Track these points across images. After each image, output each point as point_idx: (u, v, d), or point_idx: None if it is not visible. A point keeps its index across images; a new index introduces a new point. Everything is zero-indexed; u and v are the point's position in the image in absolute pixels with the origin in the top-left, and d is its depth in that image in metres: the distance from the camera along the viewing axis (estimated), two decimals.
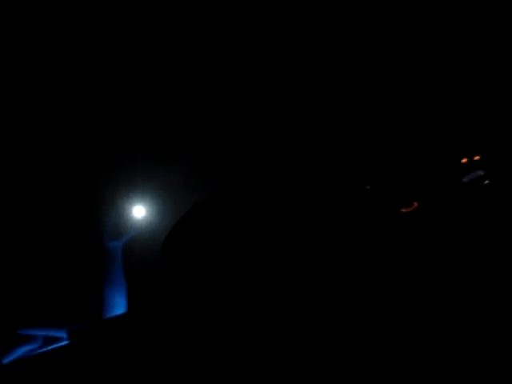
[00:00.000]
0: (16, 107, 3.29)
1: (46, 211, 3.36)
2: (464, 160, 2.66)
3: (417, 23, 2.69)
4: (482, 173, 2.64)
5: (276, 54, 2.83)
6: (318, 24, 2.68)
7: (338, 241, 1.24)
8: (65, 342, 2.67)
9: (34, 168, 3.41)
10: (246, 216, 1.21)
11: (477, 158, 2.65)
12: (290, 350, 1.08)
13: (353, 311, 1.19)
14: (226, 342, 1.10)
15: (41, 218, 3.33)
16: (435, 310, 2.21)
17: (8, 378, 2.55)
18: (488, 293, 2.46)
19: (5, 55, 3.01)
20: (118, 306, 2.93)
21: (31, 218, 3.31)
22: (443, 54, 2.70)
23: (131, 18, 3.01)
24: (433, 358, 2.25)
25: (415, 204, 2.65)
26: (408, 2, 2.68)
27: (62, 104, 3.41)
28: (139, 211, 3.36)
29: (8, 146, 3.32)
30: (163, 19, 3.00)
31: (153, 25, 3.03)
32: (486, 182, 2.63)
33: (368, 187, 2.79)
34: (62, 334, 2.70)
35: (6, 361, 2.52)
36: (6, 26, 2.93)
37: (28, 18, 2.95)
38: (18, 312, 3.03)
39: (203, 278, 1.17)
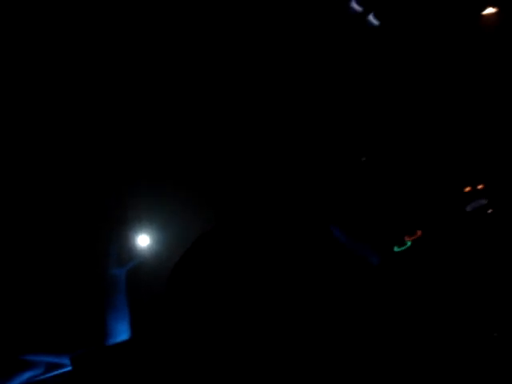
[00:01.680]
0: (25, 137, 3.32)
1: (53, 236, 3.37)
2: (467, 189, 2.68)
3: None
4: (485, 202, 2.65)
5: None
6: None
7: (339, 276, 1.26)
8: (67, 368, 2.66)
9: (40, 195, 3.42)
10: (250, 248, 1.23)
11: (480, 186, 2.67)
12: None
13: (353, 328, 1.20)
14: (228, 378, 1.11)
15: (47, 243, 3.34)
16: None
17: None
18: (486, 317, 2.46)
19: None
20: (121, 332, 2.92)
21: (38, 241, 3.32)
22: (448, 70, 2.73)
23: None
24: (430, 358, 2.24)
25: (419, 232, 2.66)
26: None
27: (72, 132, 3.43)
28: (144, 240, 3.37)
29: (20, 172, 3.34)
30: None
31: (154, 41, 3.05)
32: (489, 211, 2.65)
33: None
34: (65, 361, 2.69)
35: None
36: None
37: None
38: (21, 338, 3.02)
39: (208, 310, 1.18)
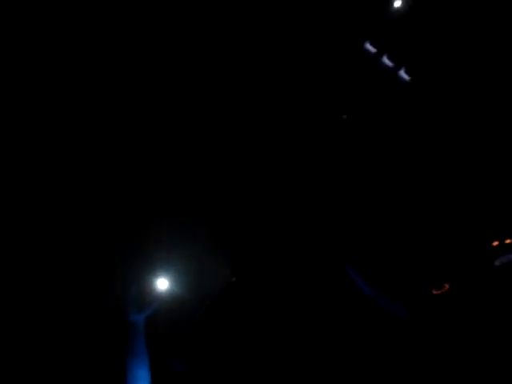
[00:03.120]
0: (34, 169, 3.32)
1: (72, 285, 3.36)
2: (495, 243, 2.67)
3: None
4: None
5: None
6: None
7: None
8: None
9: (57, 241, 3.41)
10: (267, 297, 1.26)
11: (508, 241, 2.65)
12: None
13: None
14: None
15: (66, 290, 3.33)
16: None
17: None
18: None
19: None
20: (141, 379, 2.88)
21: (55, 290, 3.31)
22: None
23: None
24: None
25: (446, 286, 2.64)
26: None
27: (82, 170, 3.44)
28: (162, 283, 3.35)
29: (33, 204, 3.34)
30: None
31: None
32: None
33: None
34: None
35: None
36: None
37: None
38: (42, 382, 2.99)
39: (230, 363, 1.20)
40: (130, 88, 3.21)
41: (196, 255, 3.62)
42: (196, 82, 3.24)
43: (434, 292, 2.62)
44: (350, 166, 2.77)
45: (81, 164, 3.43)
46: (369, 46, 2.56)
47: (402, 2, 2.56)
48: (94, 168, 3.47)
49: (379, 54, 2.63)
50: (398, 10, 2.53)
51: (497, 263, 2.62)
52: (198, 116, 3.35)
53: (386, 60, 2.61)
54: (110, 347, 3.16)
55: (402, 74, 2.62)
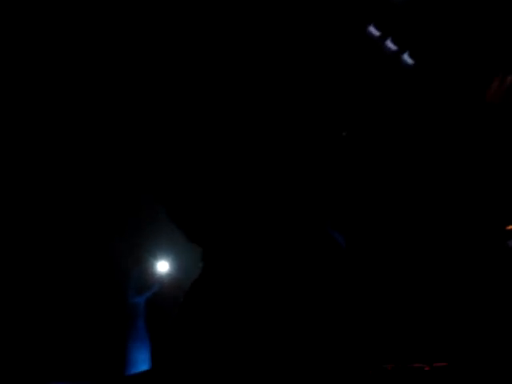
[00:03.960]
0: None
1: (73, 265, 3.36)
2: (510, 227, 2.65)
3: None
4: None
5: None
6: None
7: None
8: None
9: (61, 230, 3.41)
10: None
11: None
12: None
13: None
14: None
15: (67, 272, 3.33)
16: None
17: None
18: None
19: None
20: (142, 362, 2.89)
21: (57, 271, 3.31)
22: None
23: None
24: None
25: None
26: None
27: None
28: (163, 266, 3.35)
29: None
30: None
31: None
32: None
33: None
34: None
35: None
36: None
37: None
38: (39, 365, 3.00)
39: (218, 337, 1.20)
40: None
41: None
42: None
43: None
44: (350, 161, 2.75)
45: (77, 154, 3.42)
46: (372, 29, 2.54)
47: None
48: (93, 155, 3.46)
49: (383, 37, 2.60)
50: None
51: (511, 244, 2.59)
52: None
53: (389, 43, 2.59)
54: (111, 330, 3.17)
55: (406, 57, 2.60)
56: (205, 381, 1.22)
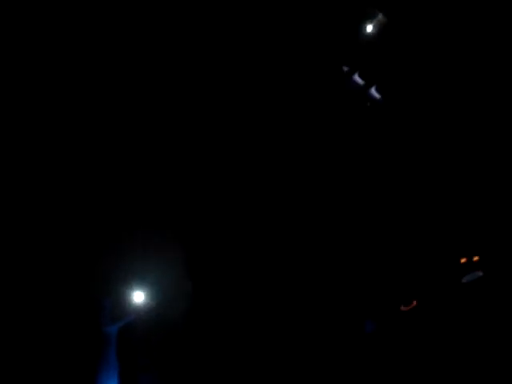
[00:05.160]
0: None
1: (46, 293, 3.35)
2: (463, 260, 2.70)
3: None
4: (480, 274, 2.67)
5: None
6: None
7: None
8: None
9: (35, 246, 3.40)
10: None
11: (476, 258, 2.68)
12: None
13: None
14: None
15: (41, 294, 3.31)
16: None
17: None
18: None
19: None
20: None
21: (31, 298, 3.29)
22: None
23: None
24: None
25: (414, 302, 2.66)
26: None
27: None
28: (138, 296, 3.34)
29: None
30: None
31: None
32: (485, 282, 2.65)
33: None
34: None
35: None
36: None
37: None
38: None
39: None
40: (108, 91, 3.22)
41: (173, 267, 3.62)
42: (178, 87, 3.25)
43: (402, 308, 2.65)
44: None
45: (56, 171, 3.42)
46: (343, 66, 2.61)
47: (374, 26, 2.61)
48: (69, 178, 3.47)
49: (351, 73, 2.67)
50: (369, 33, 2.59)
51: (464, 280, 2.65)
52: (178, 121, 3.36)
53: (357, 78, 2.66)
54: (81, 358, 3.15)
55: (373, 92, 2.67)
56: None
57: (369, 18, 2.65)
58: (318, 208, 2.96)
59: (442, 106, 2.74)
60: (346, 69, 2.67)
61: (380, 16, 2.64)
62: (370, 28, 2.61)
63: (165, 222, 3.58)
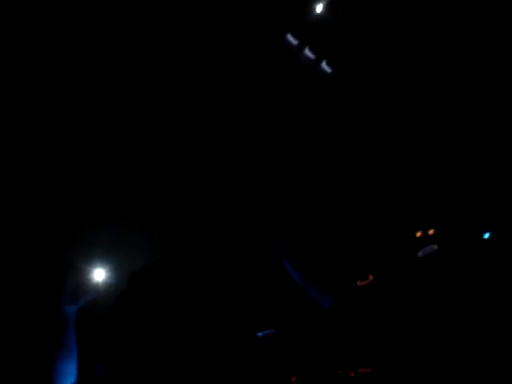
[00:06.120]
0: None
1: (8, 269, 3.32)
2: (418, 234, 2.70)
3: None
4: (436, 247, 2.67)
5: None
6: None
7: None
8: None
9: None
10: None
11: (431, 232, 2.68)
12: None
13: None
14: None
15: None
16: None
17: None
18: None
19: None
20: (68, 373, 2.84)
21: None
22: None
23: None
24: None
25: (370, 277, 2.66)
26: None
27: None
28: (99, 274, 3.31)
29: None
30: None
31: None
32: (440, 255, 2.66)
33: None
34: None
35: None
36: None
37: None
38: None
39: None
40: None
41: (136, 246, 3.60)
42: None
43: (359, 283, 2.65)
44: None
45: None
46: (290, 38, 2.56)
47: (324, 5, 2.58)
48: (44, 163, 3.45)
49: (301, 46, 2.63)
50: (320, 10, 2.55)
51: (419, 254, 2.65)
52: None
53: (307, 52, 2.61)
54: (39, 338, 3.13)
55: (324, 66, 2.63)
56: None
57: None
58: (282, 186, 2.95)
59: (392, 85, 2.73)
60: (296, 43, 2.62)
61: None
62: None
63: (132, 207, 3.57)
